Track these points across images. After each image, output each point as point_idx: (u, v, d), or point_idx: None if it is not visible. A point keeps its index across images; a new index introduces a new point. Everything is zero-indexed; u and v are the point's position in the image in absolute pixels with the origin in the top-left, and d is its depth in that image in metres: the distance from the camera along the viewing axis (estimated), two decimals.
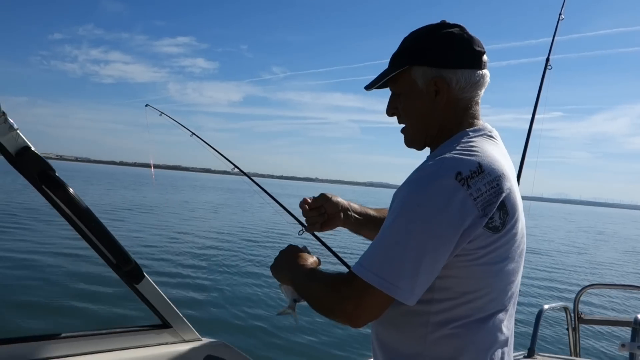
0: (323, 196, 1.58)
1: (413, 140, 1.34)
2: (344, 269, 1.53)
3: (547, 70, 3.61)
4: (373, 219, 1.64)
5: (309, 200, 1.56)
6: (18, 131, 1.43)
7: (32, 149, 1.48)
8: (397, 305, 1.15)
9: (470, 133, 1.23)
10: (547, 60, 3.64)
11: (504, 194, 1.13)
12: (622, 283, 14.11)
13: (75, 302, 8.28)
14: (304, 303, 1.34)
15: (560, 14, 3.73)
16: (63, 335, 1.70)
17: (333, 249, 2.07)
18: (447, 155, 1.14)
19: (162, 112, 4.28)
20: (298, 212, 1.69)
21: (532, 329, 3.53)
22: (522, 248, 1.23)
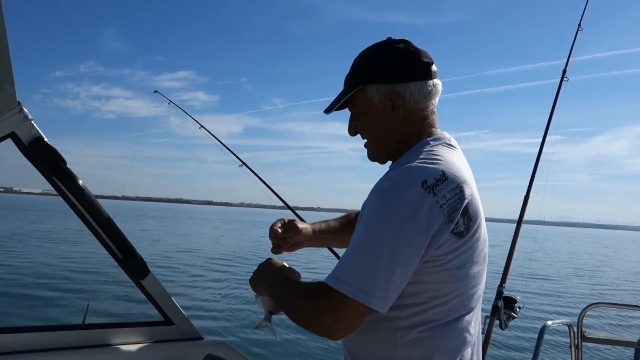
0: (293, 226, 1.59)
1: (375, 154, 1.37)
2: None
3: (564, 82, 3.57)
4: (337, 231, 1.69)
5: (279, 231, 1.57)
6: (32, 122, 1.44)
7: (45, 139, 1.48)
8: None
9: (430, 142, 1.27)
10: (564, 71, 3.59)
11: (467, 200, 1.15)
12: (627, 303, 13.97)
13: (78, 296, 8.31)
14: (281, 315, 1.33)
15: (579, 25, 3.70)
16: (65, 327, 1.71)
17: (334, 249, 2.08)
18: (412, 164, 1.17)
19: (170, 101, 4.29)
20: (288, 214, 1.70)
21: (535, 344, 3.50)
22: (485, 252, 1.26)
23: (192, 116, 4.11)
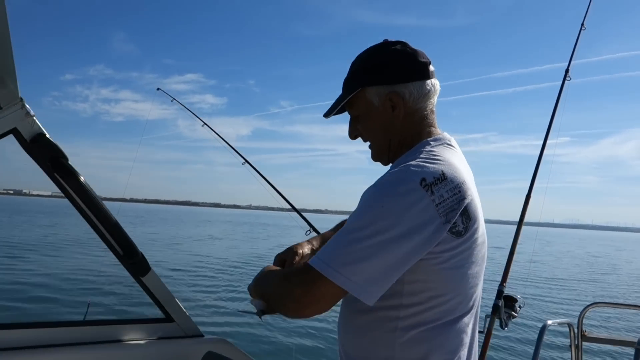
0: (292, 254, 1.56)
1: (378, 154, 1.39)
2: None
3: (567, 82, 3.55)
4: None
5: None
6: (34, 118, 1.44)
7: (47, 135, 1.48)
8: (364, 312, 1.19)
9: (431, 142, 1.27)
10: (567, 71, 3.58)
11: (466, 201, 1.15)
12: (628, 303, 13.96)
13: (80, 293, 8.33)
14: (267, 318, 1.35)
15: (582, 24, 3.69)
16: (65, 323, 1.71)
17: None
18: (412, 162, 1.17)
19: (173, 98, 4.27)
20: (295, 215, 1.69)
21: (535, 343, 3.50)
22: (484, 253, 1.26)
23: (196, 114, 4.09)
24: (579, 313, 3.85)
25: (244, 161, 3.71)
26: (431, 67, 1.33)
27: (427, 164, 1.16)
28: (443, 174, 1.14)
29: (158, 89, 4.41)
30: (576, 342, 3.84)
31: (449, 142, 1.30)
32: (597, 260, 34.65)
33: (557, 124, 3.51)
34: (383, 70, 1.30)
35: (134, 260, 1.71)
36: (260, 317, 1.39)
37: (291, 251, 1.53)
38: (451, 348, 1.19)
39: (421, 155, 1.21)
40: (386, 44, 1.34)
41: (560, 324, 3.97)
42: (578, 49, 3.62)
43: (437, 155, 1.21)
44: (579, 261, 32.95)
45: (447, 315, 1.19)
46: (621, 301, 14.58)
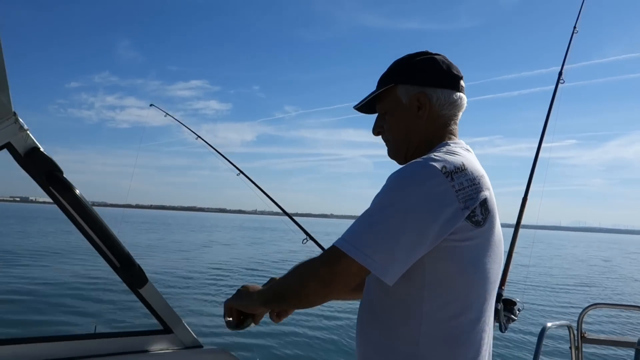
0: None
1: (396, 152, 1.43)
2: None
3: (560, 85, 3.58)
4: None
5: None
6: (28, 132, 1.44)
7: (41, 149, 1.48)
8: (387, 308, 1.22)
9: (450, 144, 1.31)
10: (560, 74, 3.61)
11: (485, 193, 1.20)
12: (627, 303, 13.96)
13: (77, 305, 8.27)
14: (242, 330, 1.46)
15: (574, 27, 3.72)
16: (64, 337, 1.70)
17: None
18: (433, 154, 1.21)
19: (167, 113, 4.30)
20: (300, 220, 1.69)
21: (535, 346, 3.49)
22: (501, 252, 1.28)
23: (189, 128, 4.11)
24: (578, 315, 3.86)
25: (239, 172, 3.72)
26: (462, 82, 1.38)
27: (448, 156, 1.20)
28: (463, 164, 1.19)
29: (151, 104, 4.43)
30: (576, 344, 3.84)
31: (466, 147, 1.34)
32: (601, 263, 34.68)
33: (551, 127, 3.54)
34: (417, 71, 1.36)
35: (131, 272, 1.71)
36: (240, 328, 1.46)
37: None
38: (474, 344, 1.21)
39: (442, 150, 1.26)
40: (426, 52, 1.40)
41: (559, 326, 3.96)
42: (573, 53, 3.65)
43: (458, 152, 1.25)
44: (581, 263, 33.00)
45: (469, 311, 1.20)
46: (621, 302, 14.58)
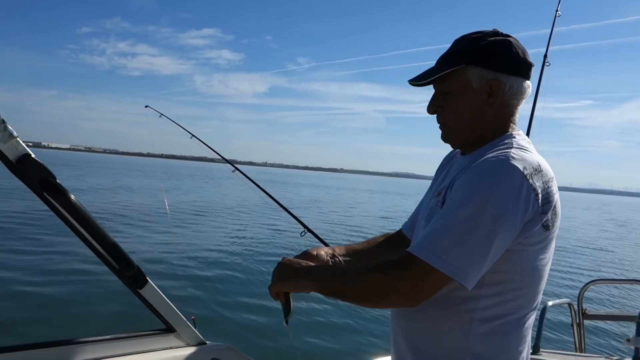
0: (307, 254, 1.51)
1: (455, 137, 1.34)
2: None
3: (545, 67, 3.60)
4: (361, 253, 1.60)
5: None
6: (18, 139, 1.44)
7: (33, 156, 1.48)
8: (440, 302, 1.18)
9: (515, 136, 1.28)
10: (545, 57, 3.63)
11: (556, 196, 1.19)
12: (626, 278, 14.06)
13: (78, 308, 8.27)
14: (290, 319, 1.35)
15: (557, 11, 3.72)
16: (66, 341, 1.70)
17: None
18: (510, 151, 1.18)
19: (161, 114, 4.30)
20: (298, 212, 1.68)
21: (537, 325, 3.52)
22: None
23: (183, 127, 4.12)
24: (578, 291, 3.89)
25: (234, 169, 3.73)
26: (531, 71, 1.34)
27: (524, 154, 1.17)
28: (539, 165, 1.16)
29: (146, 106, 4.43)
30: (577, 321, 3.87)
31: (528, 140, 1.30)
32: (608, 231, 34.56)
33: (538, 119, 3.56)
34: (493, 55, 1.27)
35: (130, 274, 1.71)
36: (287, 323, 1.36)
37: (310, 255, 1.48)
38: (521, 342, 1.21)
39: (514, 145, 1.22)
40: (499, 32, 1.31)
41: (560, 304, 3.99)
42: (555, 34, 3.65)
43: (528, 149, 1.22)
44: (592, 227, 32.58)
45: (521, 309, 1.20)
46: (622, 276, 14.67)
